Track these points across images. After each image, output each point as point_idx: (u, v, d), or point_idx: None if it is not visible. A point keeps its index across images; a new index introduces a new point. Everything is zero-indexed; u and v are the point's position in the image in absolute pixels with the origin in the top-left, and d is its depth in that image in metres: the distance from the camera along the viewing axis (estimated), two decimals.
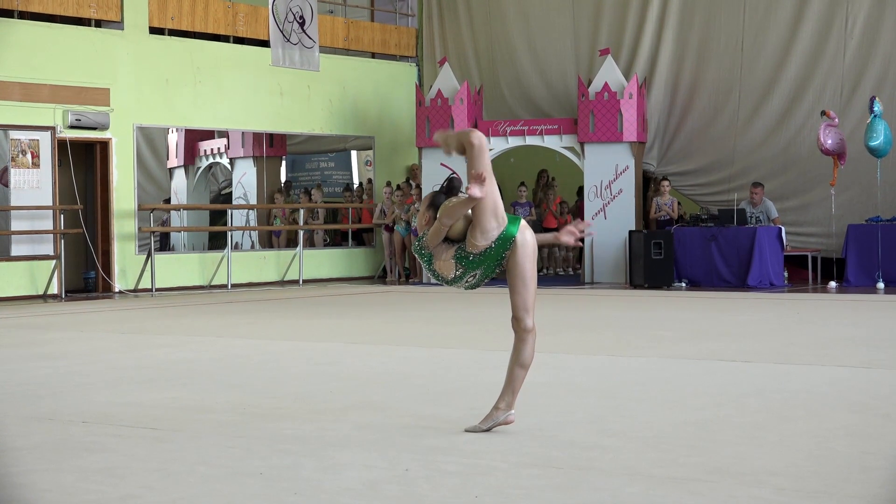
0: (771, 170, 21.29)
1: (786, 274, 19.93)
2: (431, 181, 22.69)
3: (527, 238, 7.16)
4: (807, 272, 20.18)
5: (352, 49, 25.21)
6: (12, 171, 19.66)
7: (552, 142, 22.10)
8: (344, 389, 8.77)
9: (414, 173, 24.40)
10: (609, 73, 21.49)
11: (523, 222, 7.19)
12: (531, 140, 22.25)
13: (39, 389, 9.04)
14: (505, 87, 24.37)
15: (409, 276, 23.59)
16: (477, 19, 24.95)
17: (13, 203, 19.63)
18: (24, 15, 19.90)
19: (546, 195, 24.01)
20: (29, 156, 19.77)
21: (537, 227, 24.01)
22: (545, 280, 22.63)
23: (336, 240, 25.35)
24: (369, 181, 25.50)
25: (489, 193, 6.92)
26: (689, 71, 22.32)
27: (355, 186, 26.24)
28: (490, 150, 22.45)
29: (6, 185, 19.72)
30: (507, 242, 7.00)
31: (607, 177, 21.49)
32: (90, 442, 6.86)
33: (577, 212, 23.43)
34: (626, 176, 21.41)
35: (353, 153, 26.69)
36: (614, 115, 21.31)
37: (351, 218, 24.68)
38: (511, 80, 24.35)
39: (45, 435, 7.12)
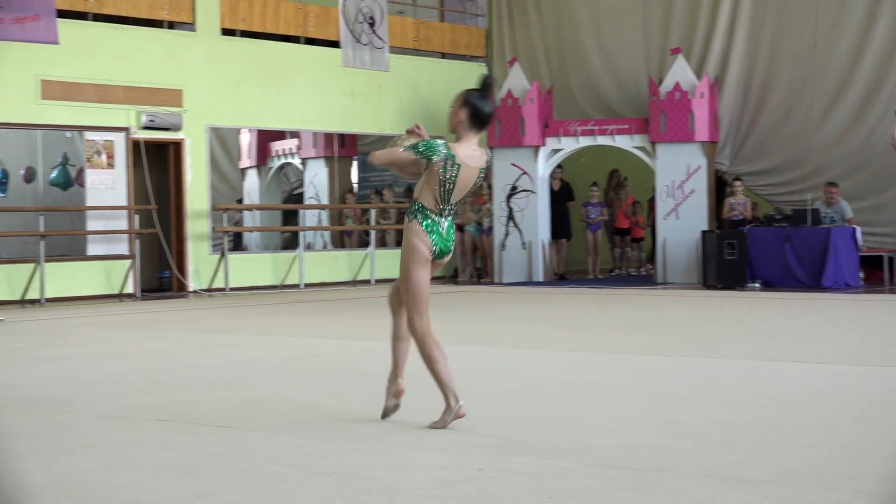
0: (845, 169, 21.06)
1: (861, 274, 19.69)
2: (502, 181, 22.67)
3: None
4: (882, 272, 19.94)
5: (422, 49, 25.24)
6: (88, 171, 19.88)
7: (623, 142, 22.00)
8: (415, 389, 8.77)
9: (485, 173, 24.38)
10: (680, 73, 21.36)
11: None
12: (602, 140, 22.16)
13: (115, 388, 9.13)
14: (575, 87, 24.29)
15: (481, 276, 23.58)
16: (547, 19, 24.88)
17: (89, 203, 19.84)
18: (98, 17, 20.10)
19: (618, 195, 23.91)
20: (104, 156, 19.98)
21: (609, 226, 23.95)
22: (617, 280, 22.55)
23: None
24: None
25: None
26: (762, 69, 22.13)
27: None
28: (560, 150, 22.41)
29: (82, 185, 19.93)
30: None
31: (679, 177, 21.36)
32: (165, 440, 6.92)
33: (650, 211, 23.33)
34: (697, 176, 21.26)
35: None
36: (686, 115, 21.17)
37: None
38: (581, 79, 24.27)
39: (120, 433, 7.19)
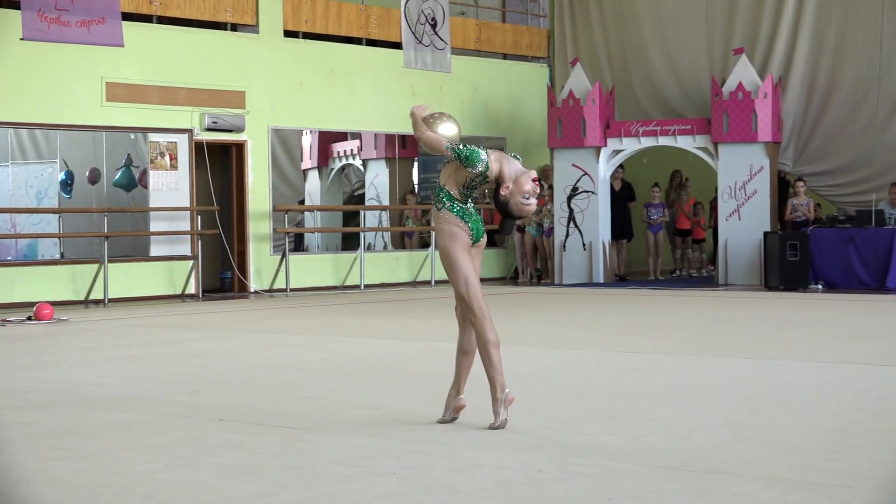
0: None
1: None
2: (564, 182, 22.63)
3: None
4: None
5: (483, 50, 25.24)
6: (151, 173, 20.04)
7: (685, 142, 21.89)
8: (476, 390, 8.77)
9: (546, 174, 24.34)
10: (743, 73, 21.22)
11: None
12: (664, 140, 22.06)
13: (177, 387, 9.20)
14: (637, 87, 24.19)
15: (541, 277, 23.55)
16: (609, 19, 24.80)
17: (152, 204, 20.00)
18: (162, 20, 20.27)
19: (679, 196, 23.80)
20: (167, 158, 20.14)
21: (671, 227, 23.84)
22: (678, 282, 22.44)
23: None
24: None
25: None
26: (826, 69, 21.94)
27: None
28: (622, 150, 22.34)
29: (145, 186, 20.10)
30: None
31: (741, 177, 21.22)
32: (226, 439, 6.96)
33: (711, 212, 23.21)
34: (760, 176, 21.11)
35: None
36: (749, 115, 21.03)
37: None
38: (643, 79, 24.17)
39: (182, 432, 7.24)
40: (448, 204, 7.28)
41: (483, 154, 7.20)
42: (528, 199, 7.23)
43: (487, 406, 7.33)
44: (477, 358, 7.40)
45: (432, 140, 7.34)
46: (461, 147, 7.22)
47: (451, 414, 7.44)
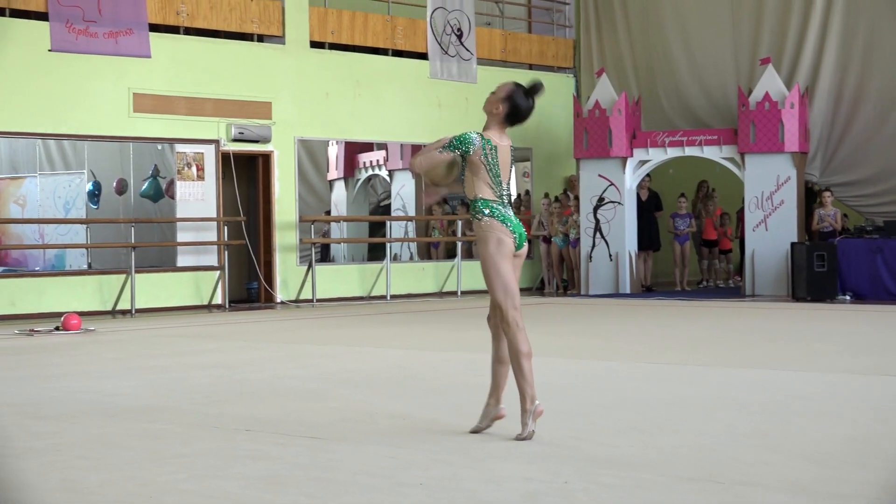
0: None
1: None
2: (590, 192, 22.61)
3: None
4: None
5: (509, 61, 25.25)
6: (178, 183, 20.10)
7: (712, 152, 21.84)
8: (503, 400, 8.76)
9: (572, 184, 24.33)
10: (770, 83, 21.16)
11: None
12: (690, 151, 22.02)
13: (203, 398, 9.22)
14: (663, 98, 24.17)
15: (567, 287, 23.52)
16: (635, 29, 24.79)
17: (179, 215, 20.06)
18: (189, 31, 20.35)
19: (706, 206, 23.74)
20: (194, 168, 20.20)
21: (697, 238, 23.77)
22: (705, 292, 22.38)
23: None
24: (527, 192, 25.51)
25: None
26: (854, 79, 21.87)
27: (513, 198, 26.26)
28: (648, 161, 22.30)
29: (172, 197, 20.17)
30: None
31: (768, 188, 21.15)
32: (253, 450, 6.97)
33: (738, 223, 23.14)
34: (787, 187, 21.05)
35: None
36: (775, 126, 20.97)
37: None
38: (669, 90, 24.14)
39: (209, 442, 7.25)
40: (488, 212, 7.22)
41: (471, 133, 7.24)
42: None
43: (514, 417, 7.32)
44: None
45: (425, 161, 7.26)
46: (451, 139, 7.22)
47: (487, 423, 7.41)
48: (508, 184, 7.36)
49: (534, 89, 7.41)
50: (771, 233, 21.04)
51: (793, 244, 20.23)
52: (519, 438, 7.14)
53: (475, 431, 7.40)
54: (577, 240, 22.97)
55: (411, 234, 24.00)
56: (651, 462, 6.44)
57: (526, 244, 7.35)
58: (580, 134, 22.69)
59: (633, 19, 24.78)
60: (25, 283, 18.61)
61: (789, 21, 22.47)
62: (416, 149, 23.66)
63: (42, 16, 18.60)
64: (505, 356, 7.35)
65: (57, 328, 15.93)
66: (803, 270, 19.69)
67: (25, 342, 14.62)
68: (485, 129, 7.37)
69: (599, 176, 22.53)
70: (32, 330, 15.86)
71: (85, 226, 19.79)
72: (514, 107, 7.33)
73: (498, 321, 7.29)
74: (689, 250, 23.45)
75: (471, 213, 7.31)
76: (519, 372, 7.21)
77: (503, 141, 7.34)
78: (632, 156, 22.37)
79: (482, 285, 23.84)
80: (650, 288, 22.90)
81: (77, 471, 6.44)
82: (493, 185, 7.25)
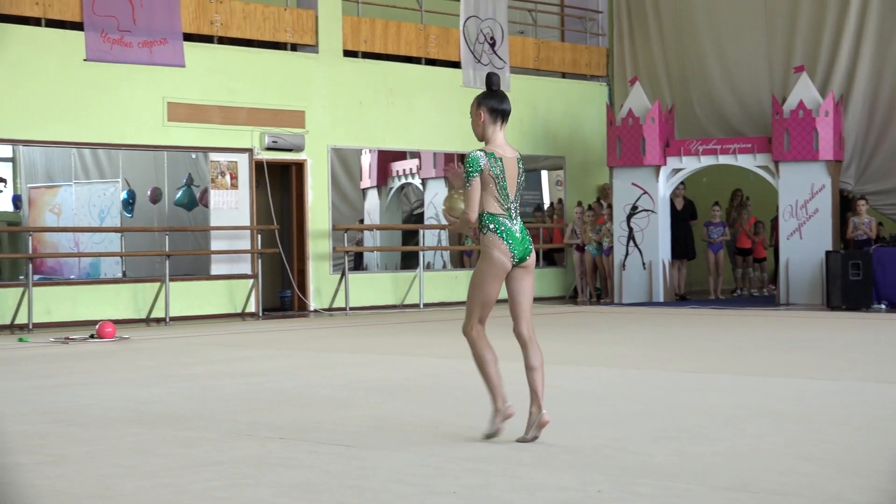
0: None
1: None
2: (623, 201, 22.56)
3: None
4: None
5: (542, 69, 25.24)
6: (212, 192, 20.18)
7: (746, 161, 21.76)
8: (544, 406, 8.75)
9: (605, 193, 24.30)
10: (804, 91, 21.08)
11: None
12: (724, 159, 21.95)
13: (238, 406, 9.24)
14: (697, 106, 24.11)
15: (601, 296, 23.48)
16: (668, 38, 24.75)
17: (212, 223, 20.13)
18: (222, 40, 20.44)
19: (740, 215, 23.66)
20: (228, 177, 20.28)
21: (731, 246, 23.69)
22: (739, 301, 22.30)
23: None
24: (560, 201, 25.48)
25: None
26: (889, 87, 21.76)
27: (546, 206, 26.24)
28: (681, 169, 22.24)
29: (206, 205, 20.24)
30: None
31: (803, 196, 21.07)
32: (287, 457, 6.98)
33: (772, 231, 23.05)
34: (822, 195, 20.95)
35: (544, 173, 26.70)
36: (810, 134, 20.88)
37: (542, 238, 24.66)
38: (703, 98, 24.08)
39: (243, 450, 7.27)
40: (493, 227, 7.37)
41: (476, 153, 7.40)
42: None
43: (555, 425, 7.31)
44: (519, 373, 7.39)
45: (471, 204, 7.39)
46: (465, 173, 7.40)
47: (534, 432, 7.38)
48: (517, 195, 7.49)
49: (489, 82, 7.61)
50: (805, 241, 20.95)
51: (827, 253, 20.14)
52: (485, 437, 7.42)
53: (522, 441, 7.37)
54: (611, 248, 22.93)
55: (444, 243, 24.01)
56: (685, 471, 6.42)
57: (532, 255, 7.47)
58: (613, 142, 22.66)
59: (666, 27, 24.74)
60: (61, 291, 18.72)
61: (823, 28, 22.39)
62: (448, 157, 23.71)
63: (77, 26, 18.72)
64: (533, 363, 7.42)
65: (92, 336, 16.01)
66: (838, 279, 19.59)
67: (60, 350, 14.70)
68: (487, 144, 7.50)
69: (633, 184, 22.49)
70: (67, 338, 15.94)
71: (119, 234, 19.87)
72: (489, 106, 7.50)
73: (466, 328, 7.54)
74: (724, 259, 23.37)
75: (479, 226, 7.46)
76: (485, 377, 7.48)
77: (508, 153, 7.47)
78: (665, 164, 22.32)
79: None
80: (684, 297, 22.83)
81: (112, 478, 6.47)
82: (500, 199, 7.38)
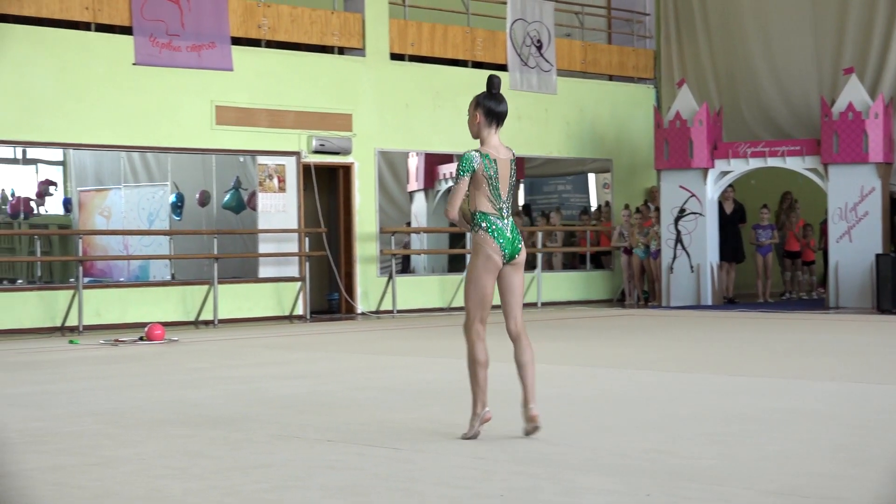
0: None
1: None
2: (671, 203, 22.48)
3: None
4: None
5: (589, 72, 25.20)
6: (260, 195, 20.27)
7: (794, 163, 21.64)
8: (581, 412, 8.75)
9: (653, 196, 24.22)
10: (853, 93, 20.93)
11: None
12: (772, 162, 21.83)
13: (285, 408, 9.27)
14: (745, 108, 24.00)
15: (648, 299, 23.40)
16: (716, 40, 24.64)
17: (260, 226, 20.22)
18: (270, 44, 20.52)
19: (788, 218, 23.52)
20: (275, 180, 20.35)
21: (780, 249, 23.54)
22: (788, 304, 22.17)
23: (574, 263, 25.33)
24: (607, 204, 25.42)
25: None
26: None
27: (593, 209, 26.19)
28: (730, 172, 22.12)
29: (254, 208, 20.33)
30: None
31: (852, 199, 20.92)
32: (335, 460, 7.00)
33: (822, 234, 22.91)
34: (871, 198, 20.80)
35: (591, 176, 26.66)
36: (859, 136, 20.73)
37: (589, 241, 24.61)
38: (751, 100, 23.96)
39: (291, 452, 7.30)
40: (484, 225, 7.58)
41: (471, 152, 7.60)
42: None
43: (591, 427, 7.30)
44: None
45: (454, 203, 7.60)
46: (458, 169, 7.62)
47: (527, 426, 7.60)
48: (509, 195, 7.68)
49: (489, 84, 7.70)
50: (855, 244, 20.80)
51: (877, 255, 20.00)
52: (464, 437, 7.54)
53: (528, 434, 7.58)
54: (658, 251, 22.85)
55: None
56: (733, 475, 6.39)
57: (522, 253, 7.68)
58: (661, 145, 22.57)
59: (713, 29, 24.63)
60: (110, 293, 18.85)
61: (873, 30, 22.22)
62: None
63: (126, 30, 18.86)
64: (523, 359, 7.84)
65: (141, 338, 16.11)
66: (888, 282, 19.44)
67: (110, 352, 14.81)
68: (482, 145, 7.68)
69: (680, 187, 22.40)
70: (117, 340, 16.05)
71: (168, 237, 19.99)
72: (486, 107, 7.65)
73: (466, 327, 7.86)
74: (772, 262, 23.24)
75: (470, 224, 7.66)
76: (474, 379, 7.66)
77: (502, 154, 7.64)
78: (713, 167, 22.22)
79: (562, 296, 23.88)
80: (732, 300, 22.72)
81: (161, 479, 6.51)
82: (492, 199, 7.60)
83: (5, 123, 17.92)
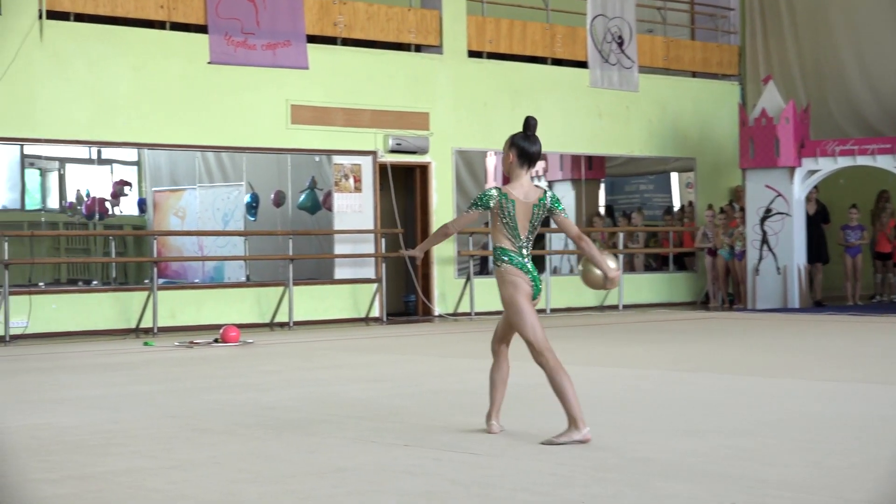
0: None
1: None
2: (756, 203, 22.28)
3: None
4: None
5: (672, 68, 25.05)
6: (335, 195, 20.35)
7: (885, 161, 21.36)
8: (665, 417, 8.69)
9: (738, 195, 24.03)
10: None
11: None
12: (862, 160, 21.57)
13: (361, 412, 9.30)
14: (833, 105, 23.74)
15: (733, 301, 23.21)
16: (803, 34, 24.40)
17: (336, 227, 20.30)
18: (346, 42, 20.60)
19: (879, 218, 23.22)
20: (351, 180, 20.43)
21: (871, 250, 23.25)
22: (879, 308, 21.89)
23: (656, 264, 25.20)
24: (690, 204, 25.26)
25: None
26: None
27: (676, 209, 26.03)
28: (817, 171, 21.89)
29: (329, 209, 20.42)
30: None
31: None
32: (411, 465, 7.00)
33: None
34: None
35: (674, 175, 26.50)
36: None
37: (672, 242, 24.46)
38: (840, 96, 23.70)
39: (367, 457, 7.31)
40: (506, 258, 7.87)
41: (491, 189, 7.86)
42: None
43: (675, 431, 7.24)
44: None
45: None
46: (474, 200, 7.91)
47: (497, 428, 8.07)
48: (530, 234, 7.91)
49: (526, 126, 7.92)
50: None
51: None
52: (551, 442, 7.65)
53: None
54: (744, 252, 22.66)
55: (571, 247, 23.93)
56: (824, 484, 6.31)
57: (538, 298, 8.01)
58: (746, 143, 22.38)
59: (800, 23, 24.40)
60: (185, 295, 19.02)
61: None
62: (575, 158, 23.68)
63: (201, 28, 19.02)
64: (506, 377, 8.29)
65: (216, 340, 16.24)
66: None
67: (185, 354, 14.94)
68: (510, 184, 7.91)
69: (766, 186, 22.20)
70: (192, 342, 16.19)
71: (243, 238, 20.13)
72: (519, 147, 7.87)
73: (535, 359, 8.03)
74: (862, 263, 22.96)
75: (493, 259, 7.99)
76: (566, 395, 7.79)
77: (531, 196, 7.84)
78: (800, 165, 21.99)
79: (644, 299, 23.75)
80: (821, 302, 22.48)
81: (237, 483, 6.55)
82: (510, 237, 7.86)
83: (80, 123, 18.14)
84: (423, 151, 21.14)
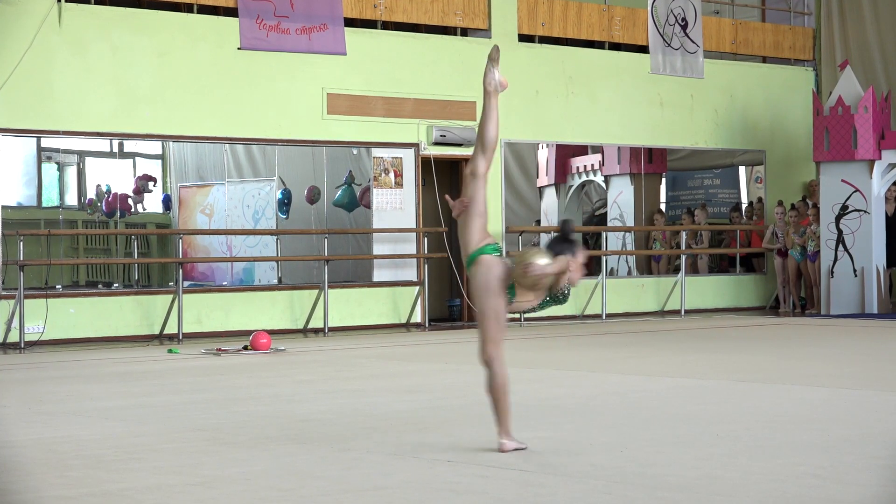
0: None
1: None
2: (831, 199, 22.17)
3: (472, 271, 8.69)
4: None
5: (740, 53, 24.95)
6: (374, 191, 20.38)
7: None
8: (732, 433, 8.66)
9: (811, 191, 23.92)
10: None
11: (483, 256, 8.81)
12: None
13: (403, 425, 9.31)
14: None
15: (805, 306, 23.12)
16: (883, 16, 24.28)
17: (375, 225, 20.32)
18: (387, 25, 20.63)
19: None
20: (392, 175, 20.46)
21: None
22: None
23: (722, 265, 25.11)
24: (759, 200, 25.16)
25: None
26: None
27: (744, 206, 25.94)
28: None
29: (367, 206, 20.45)
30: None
31: None
32: (456, 482, 7.01)
33: None
34: None
35: (742, 169, 26.40)
36: None
37: (739, 241, 24.37)
38: None
39: (409, 473, 7.32)
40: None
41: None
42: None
43: (741, 449, 7.22)
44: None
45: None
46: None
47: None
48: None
49: (563, 228, 8.44)
50: None
51: None
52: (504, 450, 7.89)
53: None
54: (817, 253, 22.56)
55: (629, 247, 23.89)
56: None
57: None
58: (820, 134, 22.28)
59: (881, 4, 24.27)
60: (212, 298, 19.10)
61: None
62: (634, 151, 23.60)
63: (231, 11, 19.09)
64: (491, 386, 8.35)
65: (245, 347, 16.29)
66: None
67: (212, 362, 15.00)
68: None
69: (843, 181, 22.08)
70: (219, 349, 16.25)
71: (275, 237, 20.20)
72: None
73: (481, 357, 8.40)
74: None
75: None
76: (503, 411, 8.15)
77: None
78: (880, 158, 21.87)
79: (709, 303, 23.67)
80: None
81: (267, 502, 6.57)
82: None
83: (100, 114, 18.26)
84: (470, 144, 21.14)
